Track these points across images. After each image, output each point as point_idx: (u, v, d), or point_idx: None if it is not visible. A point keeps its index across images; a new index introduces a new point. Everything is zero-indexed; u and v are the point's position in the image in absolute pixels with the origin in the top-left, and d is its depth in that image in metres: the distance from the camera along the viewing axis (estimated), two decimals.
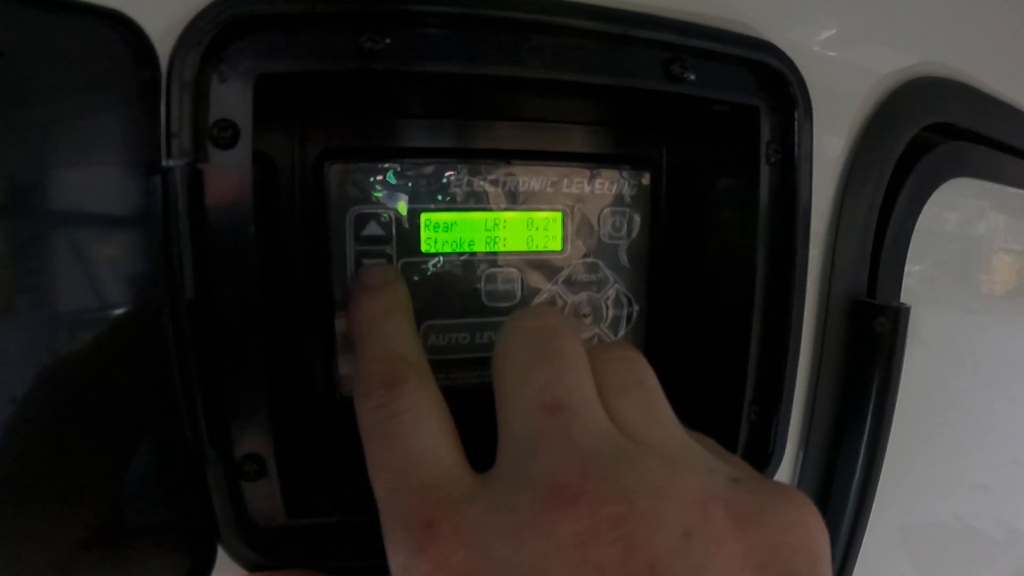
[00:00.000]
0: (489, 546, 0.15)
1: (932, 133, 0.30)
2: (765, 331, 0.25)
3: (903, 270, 0.29)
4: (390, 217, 0.24)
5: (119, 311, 0.20)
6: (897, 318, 0.26)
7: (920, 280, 0.33)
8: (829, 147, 0.27)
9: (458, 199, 0.25)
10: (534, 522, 0.15)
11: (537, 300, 0.26)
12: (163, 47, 0.18)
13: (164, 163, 0.19)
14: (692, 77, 0.23)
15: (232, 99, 0.19)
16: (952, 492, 0.42)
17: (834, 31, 0.28)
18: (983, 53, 0.33)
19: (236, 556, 0.21)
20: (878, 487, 0.29)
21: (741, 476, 0.17)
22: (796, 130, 0.24)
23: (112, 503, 0.20)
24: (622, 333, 0.28)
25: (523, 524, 0.15)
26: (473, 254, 0.25)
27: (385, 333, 0.20)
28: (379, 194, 0.24)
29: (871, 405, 0.27)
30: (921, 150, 0.29)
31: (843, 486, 0.28)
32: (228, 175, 0.19)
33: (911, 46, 0.30)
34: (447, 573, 0.15)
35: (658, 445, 0.17)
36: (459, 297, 0.25)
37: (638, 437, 0.17)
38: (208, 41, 0.18)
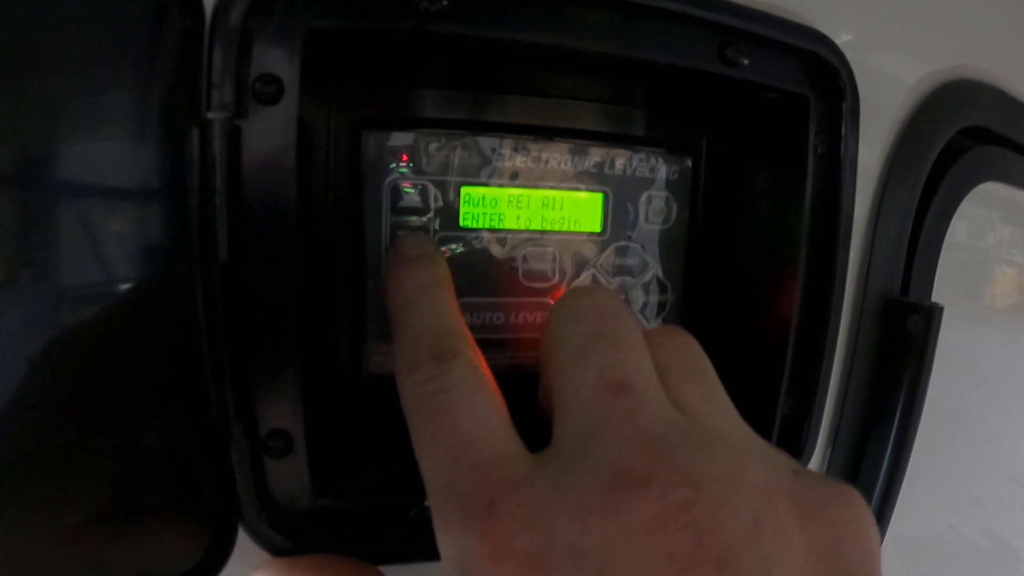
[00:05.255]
0: (554, 528, 0.14)
1: (964, 137, 0.30)
2: (803, 325, 0.24)
3: (935, 271, 0.29)
4: (428, 190, 0.23)
5: (145, 276, 0.18)
6: (931, 317, 0.26)
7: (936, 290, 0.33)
8: (869, 147, 0.27)
9: (499, 175, 0.24)
10: (601, 505, 0.14)
11: (576, 282, 0.25)
12: None
13: (203, 116, 0.17)
14: (746, 62, 0.22)
15: (278, 53, 0.18)
16: (948, 505, 0.42)
17: (876, 33, 0.27)
18: (1017, 58, 0.33)
19: (258, 537, 0.20)
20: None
21: (799, 468, 0.17)
22: (843, 122, 0.24)
23: (127, 478, 0.19)
24: (655, 321, 0.27)
25: (589, 507, 0.14)
26: (512, 231, 0.24)
27: (429, 305, 0.19)
28: (416, 166, 0.23)
29: (900, 402, 0.27)
30: (956, 152, 0.29)
31: (868, 482, 0.28)
32: (269, 133, 0.18)
33: (949, 49, 0.30)
34: (510, 556, 0.14)
35: (722, 432, 0.17)
36: (495, 275, 0.24)
37: (701, 423, 0.16)
38: None
